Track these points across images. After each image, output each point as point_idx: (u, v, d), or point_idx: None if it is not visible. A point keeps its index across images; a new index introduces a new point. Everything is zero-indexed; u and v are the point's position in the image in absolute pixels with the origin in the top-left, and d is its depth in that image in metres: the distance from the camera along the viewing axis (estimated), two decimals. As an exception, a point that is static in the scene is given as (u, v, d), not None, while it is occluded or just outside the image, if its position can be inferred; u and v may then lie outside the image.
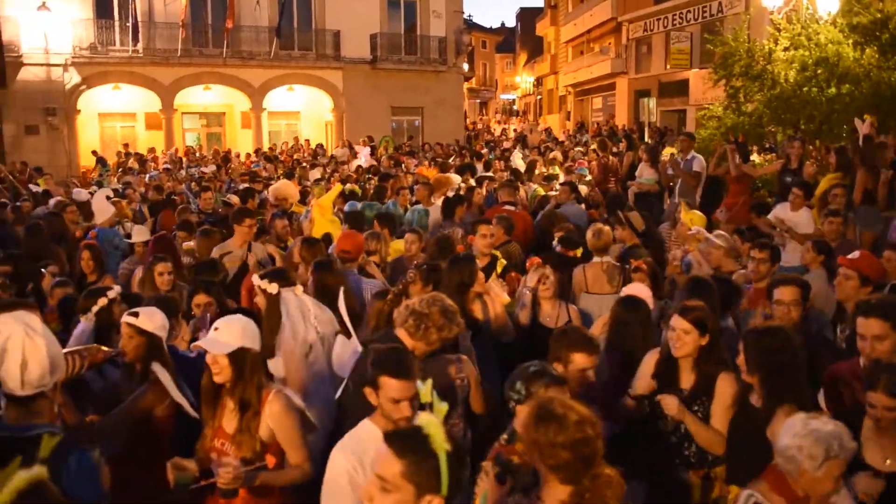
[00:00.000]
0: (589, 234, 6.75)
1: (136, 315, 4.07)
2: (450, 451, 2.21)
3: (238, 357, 3.48)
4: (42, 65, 26.26)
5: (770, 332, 3.71)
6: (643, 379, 4.27)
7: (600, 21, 39.81)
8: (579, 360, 3.88)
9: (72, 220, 9.58)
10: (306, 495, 3.60)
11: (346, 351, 4.32)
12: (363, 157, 20.98)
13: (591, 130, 33.77)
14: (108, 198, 9.88)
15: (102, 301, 4.77)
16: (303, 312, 4.73)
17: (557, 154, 16.97)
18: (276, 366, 4.52)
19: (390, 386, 3.10)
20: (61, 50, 26.27)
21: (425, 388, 2.90)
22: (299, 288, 4.85)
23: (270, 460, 3.44)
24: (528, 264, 5.90)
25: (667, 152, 15.97)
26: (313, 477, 3.50)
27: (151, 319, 4.08)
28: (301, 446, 3.54)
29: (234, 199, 11.28)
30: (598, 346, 4.07)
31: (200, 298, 5.40)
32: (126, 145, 26.51)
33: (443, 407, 2.67)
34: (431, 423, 2.25)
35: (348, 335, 4.40)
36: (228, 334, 3.51)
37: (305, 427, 3.63)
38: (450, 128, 31.25)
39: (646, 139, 24.48)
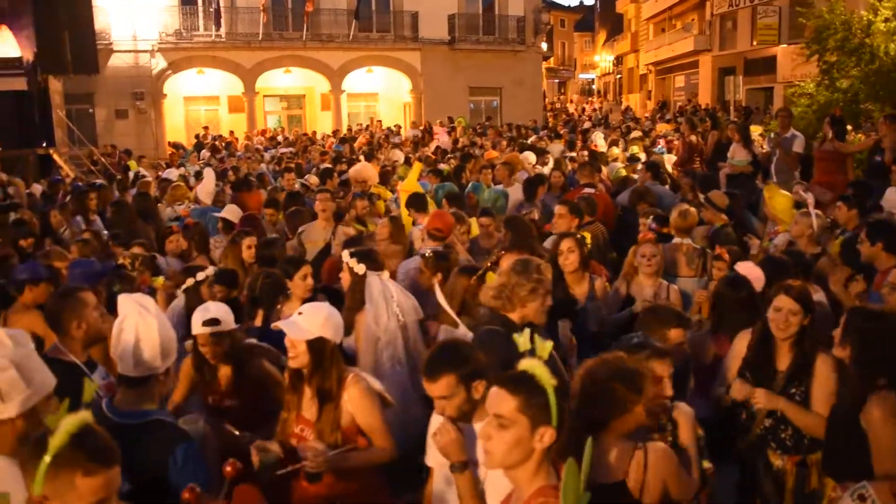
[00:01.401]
0: (674, 215, 6.55)
1: (216, 322, 3.96)
2: (556, 386, 2.38)
3: (316, 345, 3.42)
4: (130, 51, 27.22)
5: (875, 316, 3.48)
6: (735, 360, 4.12)
7: (683, -3, 38.82)
8: (674, 335, 3.87)
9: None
10: (388, 477, 3.60)
11: None
12: (442, 139, 20.96)
13: (673, 109, 32.99)
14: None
15: (189, 281, 4.83)
16: (385, 298, 4.70)
17: (639, 134, 16.52)
18: (347, 343, 4.50)
19: None
20: (148, 37, 27.17)
21: (524, 338, 2.88)
22: (385, 273, 4.82)
23: (362, 441, 3.40)
24: (640, 237, 5.80)
25: (754, 130, 15.41)
26: (395, 457, 3.50)
27: (229, 318, 4.03)
28: (383, 428, 3.49)
29: (313, 179, 11.38)
30: (690, 319, 3.97)
31: (307, 269, 5.38)
32: (206, 128, 27.16)
33: (547, 344, 2.66)
34: (534, 364, 2.42)
35: (454, 324, 4.33)
36: (310, 321, 3.44)
37: (384, 406, 3.59)
38: (528, 108, 31.01)
39: (731, 118, 23.72)
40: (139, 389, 2.97)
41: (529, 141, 17.52)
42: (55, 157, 17.77)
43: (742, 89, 33.23)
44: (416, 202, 7.83)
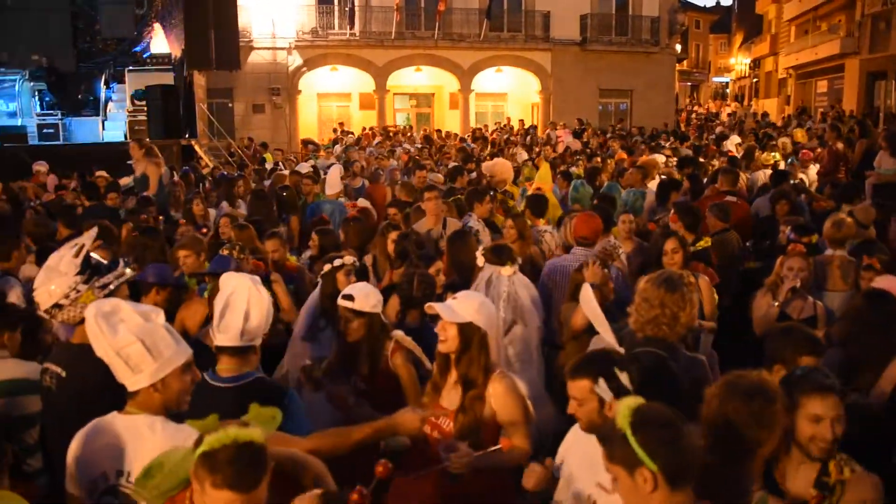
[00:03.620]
0: (828, 224, 6.22)
1: (351, 298, 4.04)
2: (633, 421, 2.25)
3: (466, 330, 3.42)
4: (269, 48, 28.32)
5: None
6: (889, 384, 3.81)
7: (831, -4, 36.85)
8: (807, 363, 3.40)
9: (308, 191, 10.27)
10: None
11: None
12: (567, 139, 20.72)
13: (815, 116, 31.39)
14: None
15: (326, 267, 4.93)
16: (496, 293, 4.67)
17: (786, 141, 15.33)
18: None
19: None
20: (286, 35, 28.18)
21: (625, 377, 2.77)
22: (509, 268, 4.77)
23: (505, 443, 3.29)
24: (789, 249, 5.57)
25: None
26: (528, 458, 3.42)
27: (367, 300, 4.05)
28: (524, 429, 3.45)
29: (438, 177, 11.37)
30: (824, 346, 3.67)
31: (440, 264, 5.47)
32: (341, 123, 27.88)
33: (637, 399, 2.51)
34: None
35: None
36: (464, 306, 3.47)
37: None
38: (659, 111, 30.32)
39: (881, 125, 22.31)
40: (239, 358, 3.16)
41: (665, 144, 17.05)
42: (196, 147, 18.64)
43: (894, 95, 31.29)
44: (536, 205, 7.71)
